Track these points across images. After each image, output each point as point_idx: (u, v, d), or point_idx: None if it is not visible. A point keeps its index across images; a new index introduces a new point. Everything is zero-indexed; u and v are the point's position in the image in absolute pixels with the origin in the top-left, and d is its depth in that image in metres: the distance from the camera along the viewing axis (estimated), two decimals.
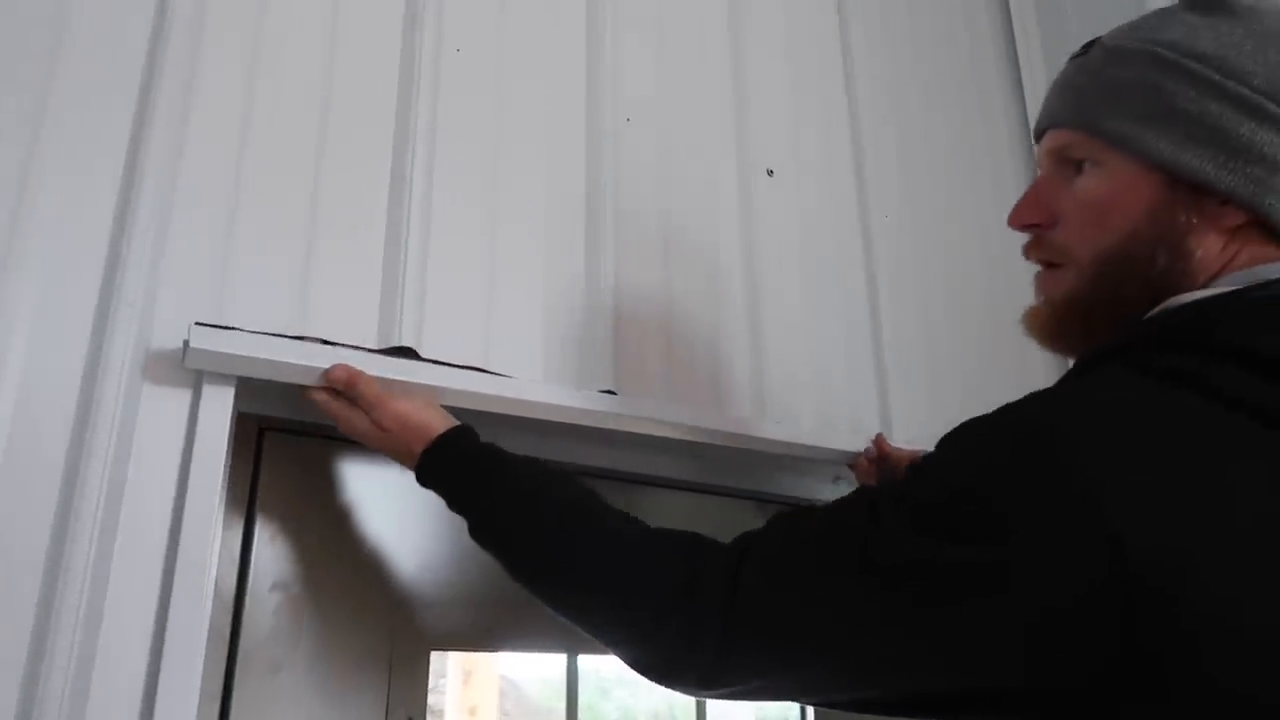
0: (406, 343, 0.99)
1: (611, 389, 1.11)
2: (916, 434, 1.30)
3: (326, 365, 0.90)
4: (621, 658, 0.79)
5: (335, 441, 1.05)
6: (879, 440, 1.25)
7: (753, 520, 1.33)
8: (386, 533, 1.08)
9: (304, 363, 0.90)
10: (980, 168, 1.63)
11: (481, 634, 1.15)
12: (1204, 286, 0.70)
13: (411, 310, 1.01)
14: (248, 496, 1.01)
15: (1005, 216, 0.81)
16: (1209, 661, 0.55)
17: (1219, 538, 0.57)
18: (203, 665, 0.84)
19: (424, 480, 0.90)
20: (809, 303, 1.35)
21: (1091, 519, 0.57)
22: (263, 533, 1.01)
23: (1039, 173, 0.80)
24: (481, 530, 0.86)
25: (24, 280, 0.84)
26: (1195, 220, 0.70)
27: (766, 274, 1.31)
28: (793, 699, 0.76)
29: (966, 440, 0.67)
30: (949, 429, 0.69)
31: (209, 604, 0.86)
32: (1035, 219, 0.78)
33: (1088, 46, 0.78)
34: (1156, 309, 0.71)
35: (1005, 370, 1.50)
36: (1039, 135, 0.80)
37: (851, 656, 0.66)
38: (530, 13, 1.22)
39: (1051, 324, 0.79)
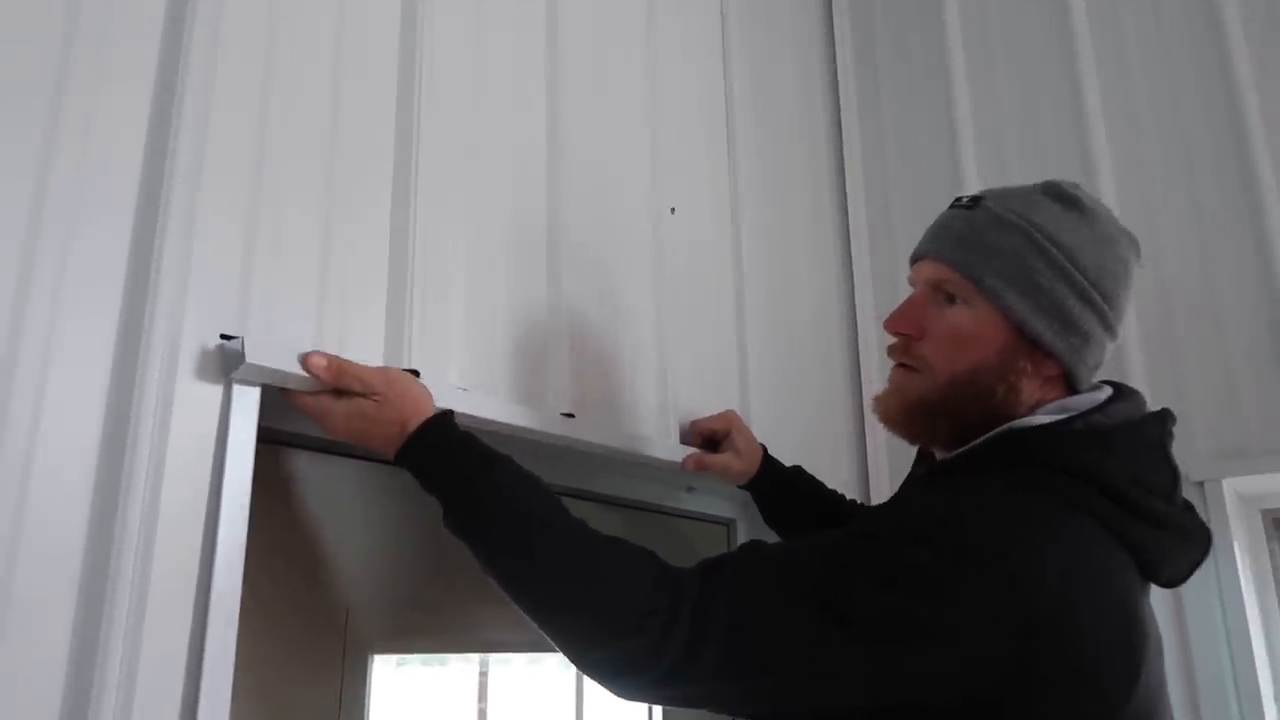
0: (415, 364, 1.02)
1: (570, 412, 1.20)
2: (771, 437, 1.46)
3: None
4: (579, 655, 0.85)
5: (290, 449, 1.04)
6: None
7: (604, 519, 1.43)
8: (337, 537, 1.09)
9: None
10: (814, 224, 1.89)
11: (415, 636, 1.18)
12: (1028, 415, 0.92)
13: (417, 330, 1.04)
14: None
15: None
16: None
17: (1087, 617, 0.78)
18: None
19: (404, 459, 0.90)
20: (692, 331, 1.51)
21: (1013, 597, 0.77)
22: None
23: (913, 290, 0.99)
24: (460, 519, 0.89)
25: (45, 297, 0.78)
26: (1028, 366, 0.92)
27: (666, 297, 1.46)
28: (736, 710, 0.86)
29: (911, 515, 0.87)
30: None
31: (236, 621, 0.85)
32: (908, 330, 0.97)
33: (974, 201, 0.97)
34: (1001, 428, 0.91)
35: (827, 388, 1.79)
36: (918, 258, 0.99)
37: (802, 678, 0.81)
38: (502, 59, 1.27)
39: (899, 414, 0.98)
